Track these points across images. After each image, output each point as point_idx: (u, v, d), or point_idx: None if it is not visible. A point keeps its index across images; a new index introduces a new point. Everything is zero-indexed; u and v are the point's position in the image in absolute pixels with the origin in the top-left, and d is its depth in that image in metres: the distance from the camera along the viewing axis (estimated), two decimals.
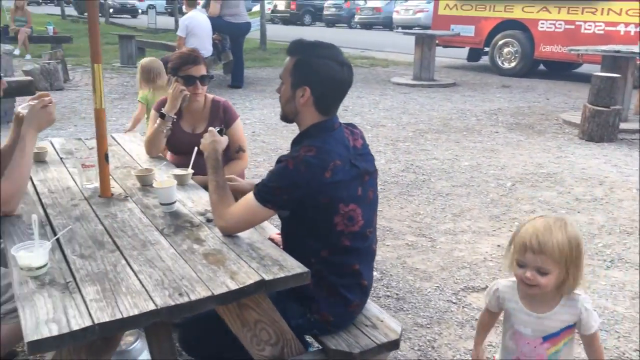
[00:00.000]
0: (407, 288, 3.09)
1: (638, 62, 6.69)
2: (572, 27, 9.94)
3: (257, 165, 5.14)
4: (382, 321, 2.02)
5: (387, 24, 24.88)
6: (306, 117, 1.87)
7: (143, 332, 2.45)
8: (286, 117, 1.94)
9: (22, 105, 2.23)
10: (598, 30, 9.61)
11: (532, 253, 1.54)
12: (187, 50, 2.82)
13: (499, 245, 3.60)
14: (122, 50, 11.71)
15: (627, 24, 9.27)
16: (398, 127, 6.73)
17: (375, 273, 3.19)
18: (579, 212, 4.14)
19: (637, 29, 9.09)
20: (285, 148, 5.74)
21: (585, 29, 9.77)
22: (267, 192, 1.78)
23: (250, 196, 1.82)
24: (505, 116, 7.43)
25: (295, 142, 1.90)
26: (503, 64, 11.09)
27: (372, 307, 2.11)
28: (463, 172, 5.08)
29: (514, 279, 1.69)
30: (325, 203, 1.76)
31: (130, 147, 3.00)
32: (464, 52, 12.65)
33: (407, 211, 4.16)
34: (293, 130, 6.78)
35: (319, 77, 1.82)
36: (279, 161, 1.80)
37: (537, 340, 1.67)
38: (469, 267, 3.33)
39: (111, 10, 21.97)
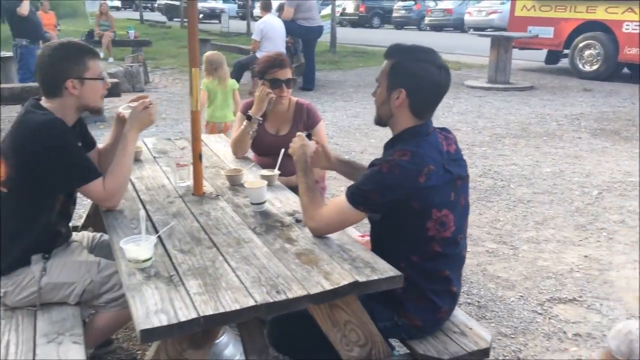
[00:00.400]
0: (488, 296, 3.02)
1: None
2: None
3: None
4: (470, 329, 1.99)
5: (458, 26, 24.37)
6: (400, 121, 1.87)
7: (228, 327, 2.53)
8: (380, 120, 1.94)
9: (123, 106, 2.35)
10: None
11: None
12: (274, 54, 2.88)
13: (586, 256, 3.44)
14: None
15: None
16: (474, 132, 6.59)
17: None
18: None
19: None
20: (358, 150, 5.75)
21: None
22: (359, 195, 1.79)
23: (342, 198, 1.84)
24: (588, 121, 7.10)
25: (388, 146, 1.90)
26: (584, 66, 10.60)
27: (459, 314, 2.08)
28: (545, 178, 4.90)
29: None
30: (417, 208, 1.76)
31: (217, 147, 3.11)
32: (541, 54, 12.20)
33: (486, 217, 4.06)
34: (366, 133, 6.84)
35: (415, 80, 1.82)
36: (372, 165, 1.81)
37: None
38: (555, 277, 3.21)
39: (201, 16, 22.87)
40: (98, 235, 2.50)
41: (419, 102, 1.83)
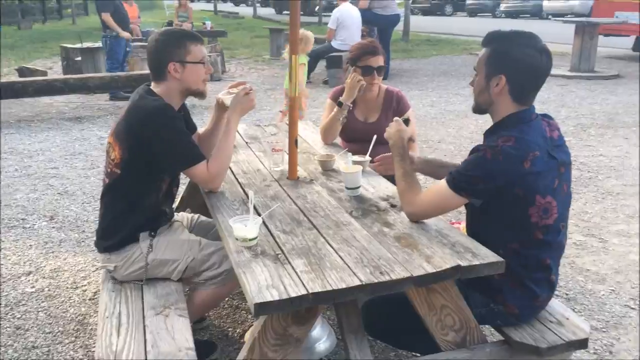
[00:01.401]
0: (577, 289, 2.95)
1: None
2: None
3: None
4: (567, 319, 1.97)
5: (536, 12, 23.44)
6: (502, 107, 1.87)
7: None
8: (479, 108, 1.94)
9: (222, 93, 2.47)
10: None
11: None
12: (366, 41, 2.92)
13: None
14: (271, 43, 12.33)
15: None
16: (557, 121, 6.35)
17: None
18: None
19: None
20: (435, 140, 5.71)
21: None
22: (462, 181, 1.80)
23: (442, 183, 1.86)
24: None
25: (490, 133, 1.90)
26: None
27: (555, 304, 2.06)
28: (635, 170, 4.69)
29: None
30: (521, 194, 1.75)
31: (306, 134, 3.19)
32: (628, 41, 11.54)
33: (574, 209, 3.94)
34: (443, 122, 6.78)
35: (516, 65, 1.81)
36: (475, 150, 1.82)
37: None
38: None
39: (316, 9, 23.23)
40: (196, 216, 2.65)
41: (519, 88, 1.82)
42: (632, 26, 10.38)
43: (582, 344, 1.88)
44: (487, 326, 2.05)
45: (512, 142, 1.74)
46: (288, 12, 2.29)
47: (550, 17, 21.23)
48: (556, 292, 2.88)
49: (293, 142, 2.39)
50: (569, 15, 18.42)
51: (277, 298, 1.50)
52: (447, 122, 6.31)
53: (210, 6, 30.77)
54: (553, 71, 9.29)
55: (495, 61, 1.84)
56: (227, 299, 2.81)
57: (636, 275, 3.07)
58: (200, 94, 2.30)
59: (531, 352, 1.85)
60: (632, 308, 2.77)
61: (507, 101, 1.85)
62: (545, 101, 7.37)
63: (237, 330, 2.62)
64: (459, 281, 1.82)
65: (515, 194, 1.75)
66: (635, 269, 3.12)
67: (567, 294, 2.90)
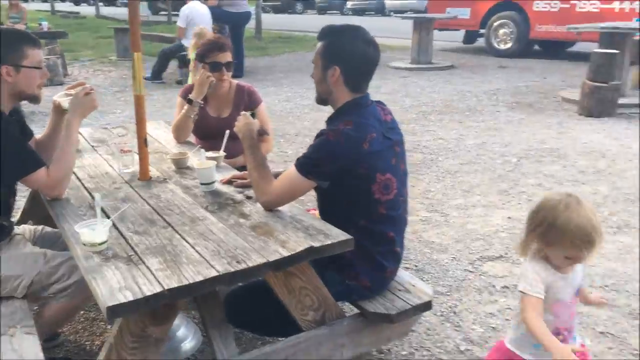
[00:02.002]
0: (425, 260, 3.24)
1: (635, 38, 6.81)
2: (567, 5, 10.05)
3: None
4: (414, 286, 2.16)
5: (380, 10, 24.92)
6: (339, 96, 2.00)
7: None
8: (321, 98, 2.07)
9: (59, 94, 2.33)
10: (593, 8, 9.72)
11: (590, 249, 1.60)
12: (214, 37, 2.92)
13: (509, 218, 3.74)
14: (117, 44, 11.72)
15: (621, 1, 9.38)
16: (402, 110, 6.85)
17: None
18: (583, 183, 4.29)
19: (632, 6, 9.21)
20: (292, 133, 5.86)
21: (580, 7, 9.88)
22: (309, 164, 1.90)
23: (291, 170, 1.94)
24: (505, 96, 7.56)
25: (332, 119, 2.02)
26: (499, 45, 11.20)
27: (403, 274, 2.25)
28: (469, 150, 5.22)
29: (531, 257, 1.72)
30: (363, 173, 1.90)
31: (157, 133, 3.12)
32: (459, 34, 12.74)
33: (419, 189, 4.30)
34: (298, 116, 6.92)
35: (346, 56, 1.96)
36: (319, 135, 1.93)
37: (571, 299, 1.75)
38: (483, 238, 3.48)
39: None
40: (40, 227, 2.48)
41: (353, 77, 1.97)
42: (461, 21, 11.48)
43: (427, 306, 2.08)
44: (345, 303, 2.18)
45: (351, 125, 1.88)
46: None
47: (392, 13, 22.68)
48: (406, 264, 3.15)
49: (142, 142, 2.34)
50: (408, 12, 19.83)
51: (131, 299, 1.47)
52: (302, 116, 6.50)
53: (46, 6, 28.40)
54: (397, 64, 9.98)
55: (329, 53, 1.97)
56: (82, 312, 2.67)
57: (473, 242, 3.43)
58: (34, 99, 2.17)
59: (384, 319, 2.01)
60: (471, 271, 3.10)
61: (343, 90, 1.98)
62: (391, 92, 7.89)
63: (96, 343, 2.50)
64: (315, 263, 1.91)
65: (358, 173, 1.89)
66: (471, 237, 3.50)
67: (416, 266, 3.17)
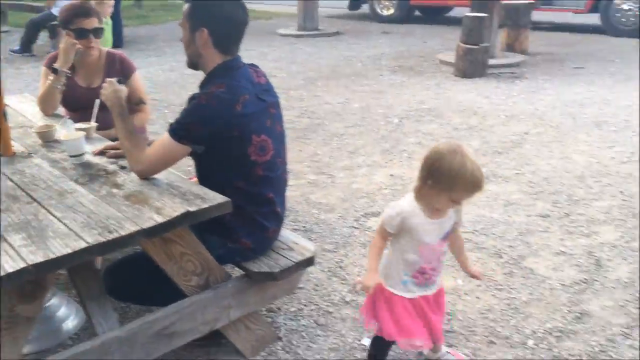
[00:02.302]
0: (313, 220, 3.33)
1: (503, 2, 7.29)
2: None
3: (152, 123, 5.06)
4: (297, 244, 2.23)
5: None
6: (209, 59, 1.97)
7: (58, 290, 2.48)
8: (191, 62, 2.03)
9: None
10: None
11: (477, 192, 1.75)
12: (77, 3, 2.74)
13: (391, 175, 3.94)
14: None
15: None
16: (289, 77, 6.88)
17: None
18: (457, 139, 4.59)
19: None
20: (177, 104, 5.68)
21: None
22: (181, 129, 1.88)
23: (165, 136, 1.90)
24: (388, 60, 7.82)
25: (204, 83, 2.00)
26: (382, 11, 11.49)
27: (286, 233, 2.31)
28: (354, 113, 5.38)
29: (410, 198, 1.85)
30: (238, 135, 1.90)
31: (22, 107, 2.91)
32: (344, 2, 12.89)
33: (306, 153, 4.38)
34: (183, 85, 6.71)
35: (214, 18, 1.93)
36: (191, 99, 1.90)
37: (437, 243, 1.89)
38: (367, 196, 3.63)
39: None
40: None
41: (222, 39, 1.95)
42: None
43: (310, 261, 2.16)
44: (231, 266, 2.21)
45: (223, 87, 1.87)
46: None
47: None
48: (295, 226, 3.22)
49: (1, 115, 2.17)
50: None
51: None
52: (187, 86, 6.31)
53: None
54: (283, 31, 9.93)
55: (196, 15, 1.94)
56: None
57: (358, 200, 3.58)
58: None
59: (268, 277, 2.06)
60: (356, 228, 3.24)
61: (213, 52, 1.96)
62: (278, 59, 7.87)
63: None
64: (196, 227, 1.91)
65: (232, 135, 1.90)
66: (356, 196, 3.64)
67: (304, 226, 3.25)
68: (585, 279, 2.72)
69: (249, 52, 8.07)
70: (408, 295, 1.93)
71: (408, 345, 1.98)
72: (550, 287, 2.67)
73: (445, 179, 1.73)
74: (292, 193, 3.68)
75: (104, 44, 4.43)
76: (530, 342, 2.31)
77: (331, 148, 4.49)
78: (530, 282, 2.71)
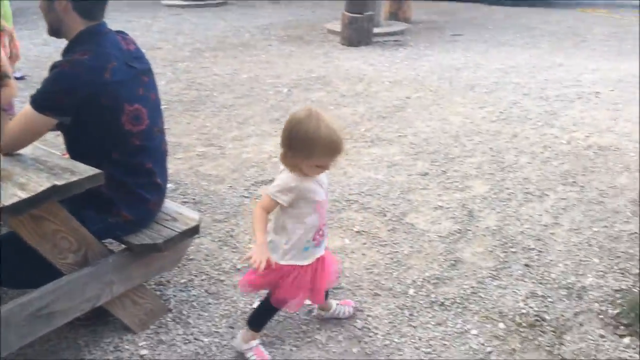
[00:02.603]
0: (202, 193, 3.30)
1: None
2: None
3: (25, 101, 4.72)
4: (181, 214, 2.21)
5: None
6: (72, 25, 1.87)
7: None
8: (52, 30, 1.92)
9: None
10: None
11: (336, 156, 1.77)
12: None
13: (278, 144, 3.97)
14: None
15: None
16: (175, 49, 6.66)
17: (169, 185, 3.33)
18: (344, 106, 4.72)
19: None
20: None
21: None
22: (44, 99, 1.77)
23: (27, 108, 1.80)
24: (276, 30, 7.79)
25: (67, 50, 1.89)
26: None
27: (170, 204, 2.28)
28: (243, 84, 5.34)
29: (285, 173, 1.86)
30: (108, 104, 1.83)
31: None
32: None
33: (194, 125, 4.30)
34: (58, 58, 6.29)
35: None
36: (53, 67, 1.80)
37: (325, 197, 1.92)
38: (257, 165, 3.66)
39: None
40: None
41: (82, 3, 1.85)
42: None
43: (194, 230, 2.15)
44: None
45: (88, 54, 1.79)
46: None
47: None
48: (184, 199, 3.18)
49: None
50: None
51: None
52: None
53: None
54: (169, 2, 9.53)
55: None
56: None
57: (248, 170, 3.59)
58: None
59: (151, 249, 2.03)
60: (246, 197, 3.26)
61: (75, 18, 1.86)
62: (163, 31, 7.57)
63: None
64: (72, 203, 1.83)
65: (102, 104, 1.82)
66: (246, 165, 3.65)
67: (194, 199, 3.22)
68: (459, 229, 2.94)
69: (131, 23, 7.70)
70: (306, 262, 1.96)
71: (298, 307, 2.05)
72: (429, 239, 2.86)
73: (302, 146, 1.74)
74: (181, 166, 3.62)
75: (6, 20, 4.04)
76: (411, 291, 2.48)
77: (220, 119, 4.44)
78: (412, 236, 2.89)
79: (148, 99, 1.99)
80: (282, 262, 1.92)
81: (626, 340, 2.18)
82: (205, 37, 7.29)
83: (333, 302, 2.28)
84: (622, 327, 2.24)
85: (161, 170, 2.14)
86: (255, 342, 2.07)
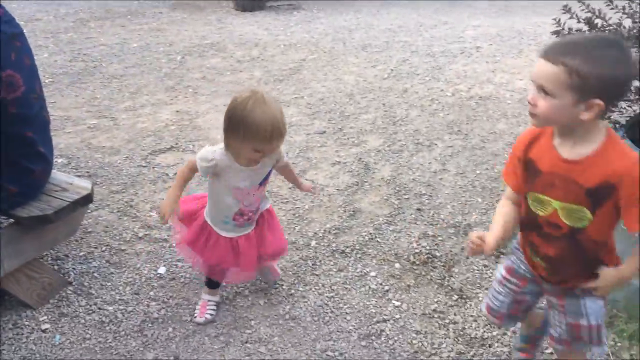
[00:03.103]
0: (97, 165, 3.20)
1: None
2: None
3: None
4: (71, 183, 2.15)
5: None
6: None
7: None
8: None
9: None
10: None
11: (275, 142, 1.76)
12: None
13: (177, 111, 3.91)
14: None
15: None
16: (56, 19, 6.24)
17: (61, 160, 3.19)
18: (241, 71, 4.70)
19: None
20: None
21: None
22: None
23: None
24: None
25: None
26: None
27: (59, 175, 2.21)
28: (134, 53, 5.13)
29: (222, 147, 1.84)
30: None
31: None
32: None
33: (83, 98, 4.11)
34: None
35: None
36: None
37: (254, 187, 1.93)
38: (154, 134, 3.58)
39: None
40: None
41: None
42: None
43: (87, 199, 2.11)
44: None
45: None
46: None
47: None
48: (77, 173, 3.07)
49: None
50: None
51: None
52: None
53: None
54: None
55: None
56: None
57: (144, 139, 3.51)
58: None
59: (41, 221, 1.97)
60: (144, 166, 3.20)
61: None
62: (38, 2, 7.05)
63: None
64: None
65: None
66: (142, 135, 3.56)
67: (88, 172, 3.11)
68: (356, 182, 3.08)
69: None
70: (224, 234, 1.98)
71: (190, 258, 2.11)
72: (328, 193, 2.98)
73: (240, 129, 1.72)
74: (72, 140, 3.47)
75: None
76: (313, 243, 2.59)
77: (111, 90, 4.27)
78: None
79: (21, 64, 1.89)
80: (206, 218, 2.00)
81: None
82: (88, 6, 6.87)
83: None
84: (502, 256, 2.48)
85: (43, 138, 2.04)
86: (206, 297, 2.17)
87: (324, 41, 5.53)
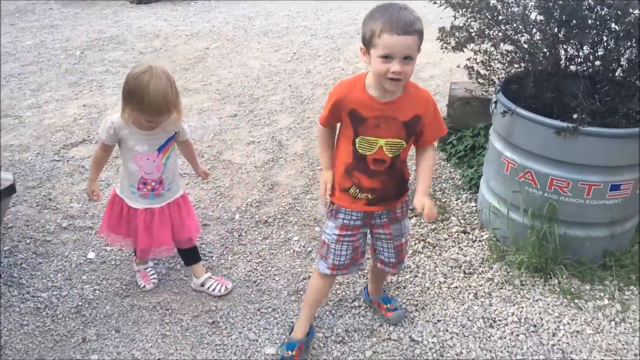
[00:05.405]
0: (7, 163, 3.15)
1: None
2: None
3: None
4: None
5: None
6: None
7: None
8: None
9: None
10: None
11: (158, 115, 1.87)
12: None
13: (84, 105, 3.88)
14: None
15: None
16: None
17: None
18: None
19: None
20: None
21: None
22: None
23: None
24: None
25: None
26: None
27: None
28: (28, 51, 4.96)
29: (120, 114, 1.94)
30: None
31: None
32: None
33: None
34: None
35: None
36: None
37: (153, 154, 2.01)
38: (63, 129, 3.55)
39: None
40: None
41: None
42: None
43: (11, 189, 2.14)
44: None
45: None
46: None
47: None
48: None
49: None
50: None
51: None
52: None
53: None
54: None
55: None
56: None
57: (54, 135, 3.47)
58: None
59: None
60: (58, 160, 3.19)
61: None
62: None
63: None
64: None
65: None
66: (51, 131, 3.52)
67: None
68: (272, 158, 3.26)
69: None
70: (135, 205, 2.08)
71: (115, 241, 2.22)
72: (246, 171, 3.14)
73: (134, 101, 1.83)
74: None
75: None
76: (237, 216, 2.75)
77: (10, 89, 4.14)
78: (230, 171, 3.14)
79: None
80: (117, 191, 2.13)
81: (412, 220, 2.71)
82: None
83: (205, 274, 2.28)
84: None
85: None
86: (141, 267, 2.33)
87: (226, 29, 5.62)
